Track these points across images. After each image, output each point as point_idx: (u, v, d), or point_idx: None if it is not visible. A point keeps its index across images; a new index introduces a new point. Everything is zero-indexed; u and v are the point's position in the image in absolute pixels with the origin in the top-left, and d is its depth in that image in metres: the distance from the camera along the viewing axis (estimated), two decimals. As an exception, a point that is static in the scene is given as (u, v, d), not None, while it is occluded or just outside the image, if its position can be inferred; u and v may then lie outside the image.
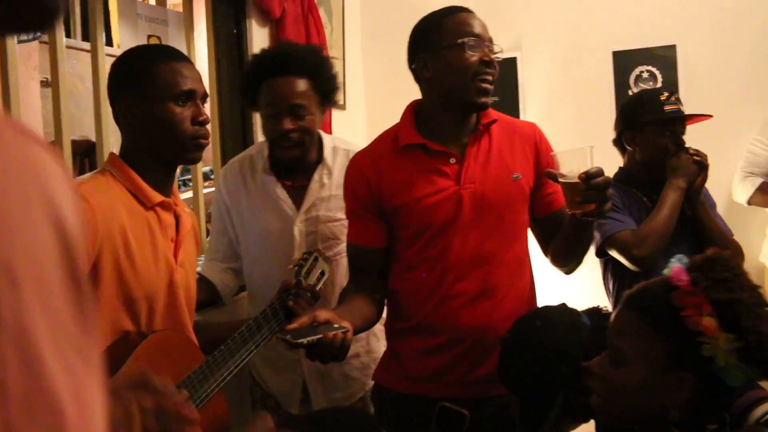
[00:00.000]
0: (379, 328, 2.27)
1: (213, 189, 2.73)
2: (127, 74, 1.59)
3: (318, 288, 1.96)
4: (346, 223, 2.14)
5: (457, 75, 1.72)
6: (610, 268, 2.40)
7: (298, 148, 2.05)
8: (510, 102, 3.68)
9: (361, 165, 1.85)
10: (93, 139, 2.50)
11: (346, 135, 3.34)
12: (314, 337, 1.49)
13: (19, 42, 2.53)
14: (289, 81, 2.02)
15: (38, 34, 2.60)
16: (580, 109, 3.62)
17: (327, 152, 2.16)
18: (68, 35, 3.25)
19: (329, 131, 3.10)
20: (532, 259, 1.91)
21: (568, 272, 1.89)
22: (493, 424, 1.76)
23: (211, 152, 2.91)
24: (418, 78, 1.83)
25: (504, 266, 1.78)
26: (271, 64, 2.05)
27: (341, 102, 3.59)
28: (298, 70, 2.03)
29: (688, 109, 2.43)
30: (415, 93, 1.90)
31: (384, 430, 1.31)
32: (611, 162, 3.43)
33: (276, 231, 2.14)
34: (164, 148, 1.58)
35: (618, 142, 2.50)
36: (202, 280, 2.18)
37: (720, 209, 2.61)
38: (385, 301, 1.90)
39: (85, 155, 3.02)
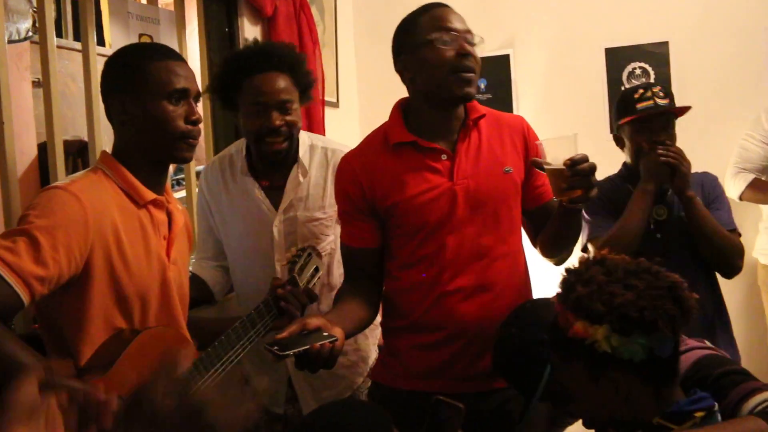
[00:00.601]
0: (368, 328, 2.27)
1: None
2: (121, 71, 1.58)
3: (312, 285, 1.96)
4: (325, 222, 2.14)
5: (435, 71, 1.72)
6: None
7: (286, 141, 2.05)
8: (503, 99, 3.69)
9: (351, 166, 1.83)
10: (86, 138, 2.49)
11: (339, 132, 3.35)
12: (301, 349, 1.47)
13: (10, 42, 2.52)
14: (274, 77, 2.02)
15: (30, 33, 2.59)
16: (573, 106, 3.63)
17: (302, 151, 2.15)
18: (60, 35, 3.23)
19: (323, 128, 3.11)
20: (527, 251, 1.92)
21: (557, 263, 1.89)
22: (494, 419, 1.77)
23: (204, 151, 2.91)
24: (403, 78, 1.84)
25: (501, 260, 1.78)
26: (253, 61, 2.04)
27: (334, 99, 3.59)
28: (279, 66, 2.03)
29: (681, 105, 2.38)
30: (406, 91, 1.90)
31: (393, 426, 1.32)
32: (605, 156, 3.45)
33: (255, 232, 2.14)
34: (155, 146, 1.57)
35: (616, 140, 2.48)
36: (194, 279, 2.18)
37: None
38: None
39: (77, 155, 3.01)
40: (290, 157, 2.11)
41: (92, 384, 1.02)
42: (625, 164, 2.42)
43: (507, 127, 1.86)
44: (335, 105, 3.62)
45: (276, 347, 1.46)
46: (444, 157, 1.77)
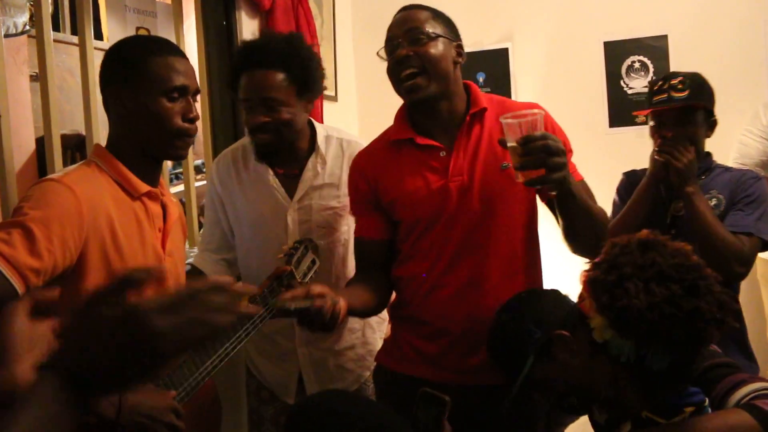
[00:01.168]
0: (375, 320, 2.28)
1: (204, 182, 2.73)
2: (120, 65, 1.57)
3: (309, 278, 1.96)
4: (339, 211, 2.15)
5: (390, 81, 1.81)
6: None
7: (274, 138, 2.04)
8: (502, 92, 3.68)
9: (360, 162, 1.91)
10: (83, 133, 2.50)
11: (338, 126, 3.33)
12: (303, 306, 1.51)
13: (7, 36, 2.52)
14: (261, 74, 2.01)
15: (27, 27, 2.59)
16: (572, 99, 3.62)
17: (320, 141, 2.16)
18: (57, 29, 3.23)
19: (321, 122, 3.10)
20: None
21: (580, 254, 1.81)
22: (484, 413, 1.77)
23: (202, 145, 2.91)
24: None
25: (494, 257, 1.78)
26: (246, 57, 2.05)
27: (332, 93, 3.59)
28: (271, 62, 2.01)
29: None
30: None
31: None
32: (603, 149, 3.45)
33: (269, 220, 2.14)
34: (150, 142, 1.57)
35: None
36: (195, 272, 2.18)
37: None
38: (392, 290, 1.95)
39: (75, 149, 3.01)
40: (287, 147, 2.10)
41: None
42: None
43: None
44: (333, 99, 3.61)
45: (279, 302, 1.50)
46: (442, 153, 1.79)
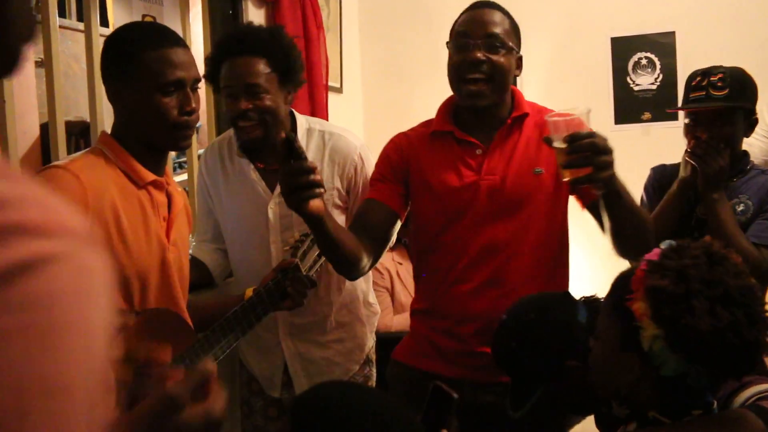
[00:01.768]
0: (365, 314, 2.28)
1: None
2: (115, 58, 1.56)
3: (314, 271, 1.96)
4: None
5: (449, 74, 1.81)
6: None
7: (259, 128, 2.01)
8: (507, 87, 3.67)
9: (400, 138, 1.94)
10: (87, 119, 2.49)
11: (343, 118, 3.34)
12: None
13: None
14: (244, 61, 1.99)
15: (33, 13, 2.57)
16: (578, 95, 3.61)
17: (300, 134, 2.12)
18: (63, 15, 3.22)
19: (326, 114, 3.09)
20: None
21: (628, 256, 1.75)
22: (495, 411, 1.77)
23: (206, 134, 2.90)
24: None
25: (517, 258, 1.79)
26: (228, 45, 2.03)
27: (338, 85, 3.58)
28: (253, 49, 1.99)
29: None
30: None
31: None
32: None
33: (251, 214, 2.13)
34: (149, 135, 1.56)
35: None
36: (194, 262, 2.17)
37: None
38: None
39: (80, 136, 3.01)
40: (269, 143, 2.06)
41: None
42: None
43: None
44: (339, 90, 3.60)
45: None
46: (479, 151, 1.82)
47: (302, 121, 2.17)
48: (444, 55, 1.87)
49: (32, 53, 2.86)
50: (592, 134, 1.48)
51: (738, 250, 1.93)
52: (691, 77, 2.14)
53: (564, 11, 3.66)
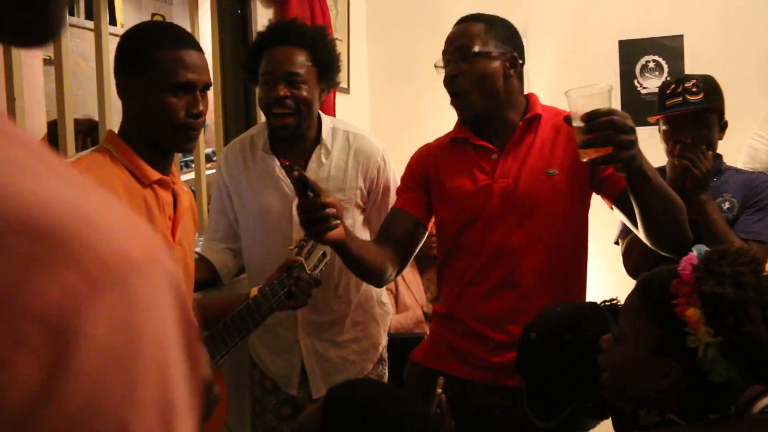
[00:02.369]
0: (380, 314, 2.29)
1: (215, 171, 2.73)
2: (130, 53, 1.57)
3: (318, 270, 1.97)
4: (344, 203, 2.15)
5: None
6: None
7: (293, 116, 2.03)
8: (514, 89, 3.67)
9: (423, 148, 2.00)
10: (96, 118, 2.50)
11: (350, 118, 3.33)
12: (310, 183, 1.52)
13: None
14: (287, 50, 2.03)
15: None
16: (585, 98, 3.60)
17: (326, 133, 2.15)
18: (71, 13, 3.23)
19: (333, 114, 3.10)
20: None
21: (664, 249, 1.69)
22: (505, 414, 1.78)
23: (213, 134, 2.91)
24: None
25: (530, 261, 1.78)
26: (272, 35, 2.07)
27: (345, 85, 3.59)
28: (297, 41, 2.04)
29: None
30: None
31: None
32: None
33: (275, 211, 2.14)
34: (155, 134, 1.56)
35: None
36: (201, 260, 2.18)
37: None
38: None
39: (87, 134, 3.02)
40: (300, 134, 2.10)
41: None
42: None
43: (567, 127, 1.77)
44: (346, 91, 3.60)
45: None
46: (494, 156, 1.84)
47: (327, 120, 2.19)
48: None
49: (40, 51, 2.87)
50: (611, 111, 1.43)
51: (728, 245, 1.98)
52: (665, 86, 2.24)
53: (572, 14, 3.66)
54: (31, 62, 2.76)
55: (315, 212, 1.53)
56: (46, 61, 2.87)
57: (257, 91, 2.12)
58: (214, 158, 3.29)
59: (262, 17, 2.91)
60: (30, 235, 0.31)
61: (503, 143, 1.84)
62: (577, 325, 1.50)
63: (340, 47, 3.44)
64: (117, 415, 0.32)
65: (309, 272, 1.91)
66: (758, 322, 1.11)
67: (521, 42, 1.91)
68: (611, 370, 1.29)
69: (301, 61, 2.03)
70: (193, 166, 2.97)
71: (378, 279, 1.86)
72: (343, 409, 1.11)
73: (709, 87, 2.19)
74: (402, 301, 3.15)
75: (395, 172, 2.23)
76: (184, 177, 3.19)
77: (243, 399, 2.37)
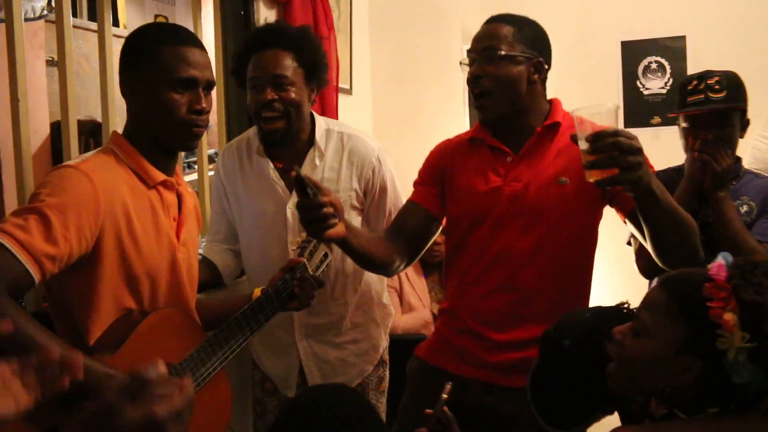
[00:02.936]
0: (380, 316, 2.29)
1: (214, 172, 2.73)
2: (132, 52, 1.57)
3: (321, 271, 1.97)
4: None
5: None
6: None
7: (282, 120, 2.03)
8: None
9: (442, 144, 2.00)
10: (99, 119, 2.50)
11: (352, 119, 3.34)
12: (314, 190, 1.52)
13: (25, 20, 2.52)
14: (272, 53, 2.03)
15: (45, 12, 2.59)
16: (587, 99, 3.57)
17: (319, 135, 2.14)
18: (74, 15, 3.24)
19: (336, 115, 3.10)
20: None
21: (675, 267, 1.59)
22: (504, 413, 1.78)
23: (216, 135, 2.91)
24: None
25: (533, 267, 1.78)
26: (257, 39, 2.07)
27: (347, 86, 3.59)
28: (282, 43, 2.03)
29: None
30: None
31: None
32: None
33: (270, 213, 2.14)
34: (158, 132, 1.56)
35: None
36: (204, 261, 2.19)
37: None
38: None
39: (90, 135, 3.02)
40: (291, 137, 2.09)
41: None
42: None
43: None
44: (348, 92, 3.61)
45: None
46: (509, 159, 1.84)
47: (321, 122, 2.18)
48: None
49: (43, 52, 2.88)
50: (616, 133, 1.41)
51: (747, 247, 2.01)
52: (686, 82, 2.18)
53: (574, 15, 3.66)
54: (34, 63, 2.76)
55: (315, 211, 1.53)
56: (49, 63, 2.87)
57: (247, 96, 2.10)
58: (216, 159, 3.29)
59: (265, 18, 2.91)
60: None
61: (519, 147, 1.83)
62: (609, 330, 1.45)
63: (343, 48, 3.45)
64: None
65: (312, 273, 1.91)
66: None
67: (549, 46, 1.89)
68: (626, 361, 1.30)
69: (287, 63, 2.02)
70: (195, 167, 2.97)
71: (385, 270, 1.91)
72: (290, 414, 1.14)
73: (732, 85, 2.14)
74: (407, 300, 3.15)
75: (393, 172, 2.22)
76: (187, 178, 3.19)
77: (245, 399, 2.37)
